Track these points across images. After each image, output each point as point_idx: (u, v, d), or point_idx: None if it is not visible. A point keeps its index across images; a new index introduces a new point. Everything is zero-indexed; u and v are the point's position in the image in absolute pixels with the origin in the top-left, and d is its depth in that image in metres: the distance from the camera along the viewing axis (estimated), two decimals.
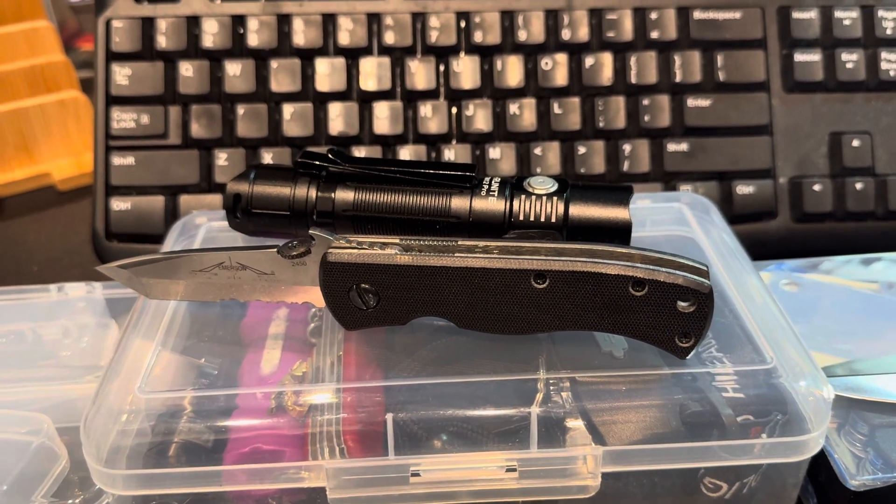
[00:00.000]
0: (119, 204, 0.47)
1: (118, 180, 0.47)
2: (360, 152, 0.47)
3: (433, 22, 0.48)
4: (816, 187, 0.48)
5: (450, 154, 0.47)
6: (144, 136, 0.47)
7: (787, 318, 0.34)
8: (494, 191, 0.35)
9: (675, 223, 0.41)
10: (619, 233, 0.35)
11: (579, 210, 0.35)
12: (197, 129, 0.47)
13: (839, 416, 0.34)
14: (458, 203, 0.35)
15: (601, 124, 0.48)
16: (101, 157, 0.47)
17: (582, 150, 0.48)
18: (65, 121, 0.60)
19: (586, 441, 0.31)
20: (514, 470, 0.30)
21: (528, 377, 0.32)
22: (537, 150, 0.47)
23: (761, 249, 0.48)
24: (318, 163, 0.36)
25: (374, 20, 0.48)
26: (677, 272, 0.29)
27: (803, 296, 0.40)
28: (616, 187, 0.36)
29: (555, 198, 0.35)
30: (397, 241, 0.31)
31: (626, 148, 0.48)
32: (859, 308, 0.40)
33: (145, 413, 0.32)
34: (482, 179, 0.36)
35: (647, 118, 0.48)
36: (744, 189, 0.48)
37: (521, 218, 0.35)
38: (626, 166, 0.48)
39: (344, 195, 0.36)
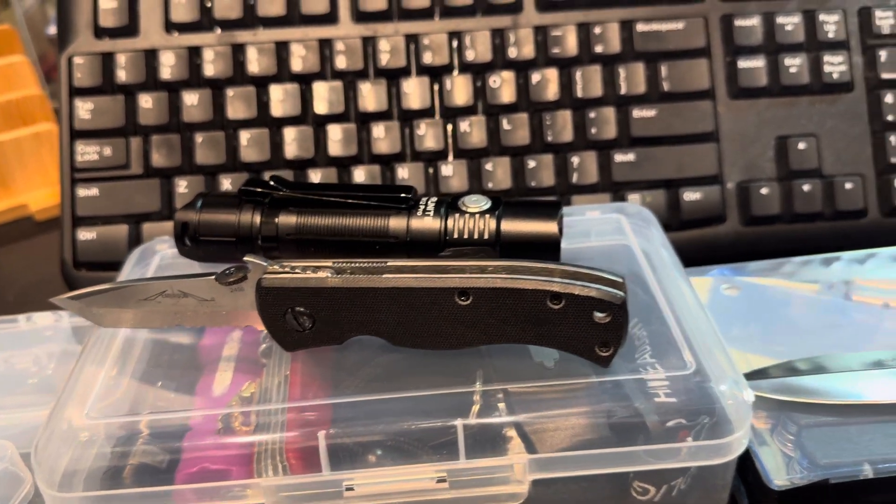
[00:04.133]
0: (85, 234, 0.48)
1: (84, 211, 0.48)
2: (315, 175, 0.49)
3: (383, 45, 0.49)
4: (764, 191, 0.49)
5: (403, 173, 0.49)
6: (107, 167, 0.49)
7: (713, 324, 0.35)
8: (430, 210, 0.37)
9: (616, 234, 0.42)
10: (549, 247, 0.36)
11: (510, 226, 0.36)
12: (157, 159, 0.49)
13: (772, 417, 0.36)
14: (396, 223, 0.37)
15: (549, 138, 0.49)
16: (67, 190, 0.49)
17: (532, 164, 0.49)
18: (40, 153, 0.62)
19: (517, 450, 0.32)
20: (445, 481, 0.31)
21: (464, 390, 0.33)
22: (488, 166, 0.49)
23: (712, 254, 0.49)
24: (260, 189, 0.38)
25: (325, 46, 0.49)
26: (592, 285, 0.31)
27: (743, 299, 0.42)
28: (546, 203, 0.37)
29: (487, 215, 0.36)
30: (330, 263, 0.33)
31: (575, 160, 0.49)
32: (797, 309, 0.41)
33: (99, 437, 0.33)
34: (419, 200, 0.37)
35: (594, 130, 0.49)
36: (691, 196, 0.49)
37: (456, 236, 0.36)
38: (575, 178, 0.49)
39: (287, 220, 0.37)
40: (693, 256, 0.49)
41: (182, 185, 0.49)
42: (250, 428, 0.35)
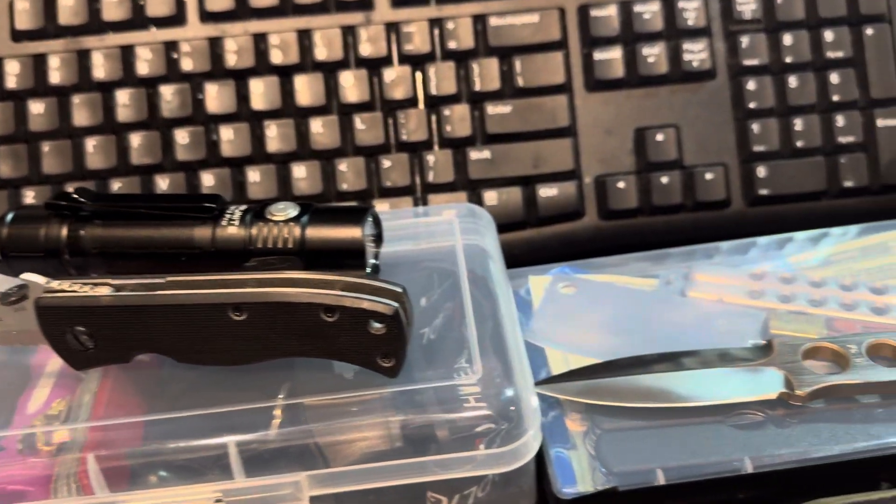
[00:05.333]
0: None
1: None
2: (164, 181, 0.48)
3: (230, 45, 0.48)
4: (621, 184, 0.48)
5: (253, 176, 0.48)
6: None
7: (513, 328, 0.34)
8: (235, 220, 0.36)
9: (447, 235, 0.41)
10: (354, 253, 0.35)
11: (315, 234, 0.35)
12: (4, 169, 0.48)
13: (587, 420, 0.35)
14: (201, 234, 0.36)
15: (404, 137, 0.48)
16: None
17: (386, 163, 0.48)
18: None
19: (305, 466, 0.31)
20: (221, 501, 0.30)
21: (261, 405, 0.32)
22: (342, 167, 0.48)
23: (570, 250, 0.48)
24: (65, 203, 0.37)
25: (171, 48, 0.48)
26: (366, 297, 0.30)
27: (578, 298, 0.41)
28: (354, 209, 0.36)
29: (292, 223, 0.35)
30: (112, 281, 0.32)
31: (430, 159, 0.48)
32: (631, 307, 0.40)
33: None
34: (226, 209, 0.36)
35: (448, 128, 0.48)
36: (548, 191, 0.48)
37: (261, 245, 0.35)
38: (430, 177, 0.48)
39: (92, 233, 0.36)
40: (551, 253, 0.49)
41: (30, 196, 0.48)
42: (52, 447, 0.34)
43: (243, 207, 0.37)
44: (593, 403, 0.34)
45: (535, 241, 0.49)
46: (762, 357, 0.34)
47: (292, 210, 0.36)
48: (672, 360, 0.35)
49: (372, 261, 0.37)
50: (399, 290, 0.31)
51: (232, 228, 0.36)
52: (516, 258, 0.47)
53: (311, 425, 0.31)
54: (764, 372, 0.33)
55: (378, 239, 0.37)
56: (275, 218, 0.36)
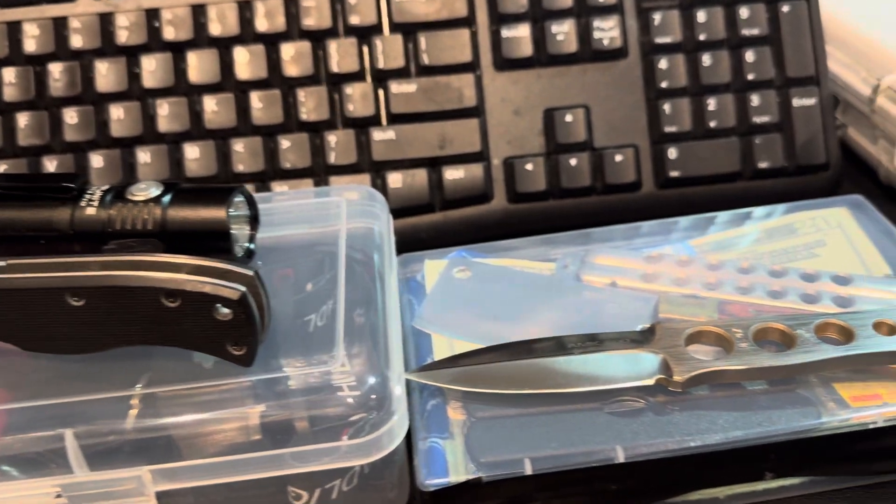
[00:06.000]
0: None
1: None
2: (51, 163, 0.45)
3: (121, 21, 0.46)
4: (529, 166, 0.47)
5: (144, 157, 0.46)
6: None
7: (395, 314, 0.33)
8: (95, 201, 0.34)
9: (333, 219, 0.39)
10: (217, 235, 0.33)
11: (176, 214, 0.33)
12: None
13: (465, 409, 0.34)
14: (59, 216, 0.34)
15: (304, 116, 0.46)
16: None
17: (286, 143, 0.46)
18: None
19: (157, 460, 0.30)
20: (61, 496, 0.29)
21: (109, 395, 0.30)
22: (237, 147, 0.46)
23: (478, 233, 0.47)
24: None
25: (60, 24, 0.46)
26: (209, 280, 0.28)
27: (472, 282, 0.39)
28: (221, 188, 0.34)
29: (152, 204, 0.34)
30: None
31: (332, 139, 0.46)
32: (524, 291, 0.38)
33: None
34: (86, 189, 0.35)
35: (350, 107, 0.46)
36: (454, 174, 0.47)
37: (119, 227, 0.33)
38: (332, 158, 0.46)
39: None
40: (459, 237, 0.47)
41: None
42: None
43: (105, 187, 0.35)
44: (467, 391, 0.32)
45: (443, 224, 0.47)
46: (645, 342, 0.33)
47: (154, 189, 0.34)
48: (552, 346, 0.33)
49: (245, 244, 0.36)
50: (250, 273, 0.29)
51: (91, 210, 0.34)
52: (423, 242, 0.46)
53: (163, 418, 0.30)
54: (644, 357, 0.32)
55: (254, 221, 0.36)
56: (135, 198, 0.34)
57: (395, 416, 0.29)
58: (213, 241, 0.33)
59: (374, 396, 0.30)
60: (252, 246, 0.35)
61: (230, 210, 0.33)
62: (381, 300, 0.34)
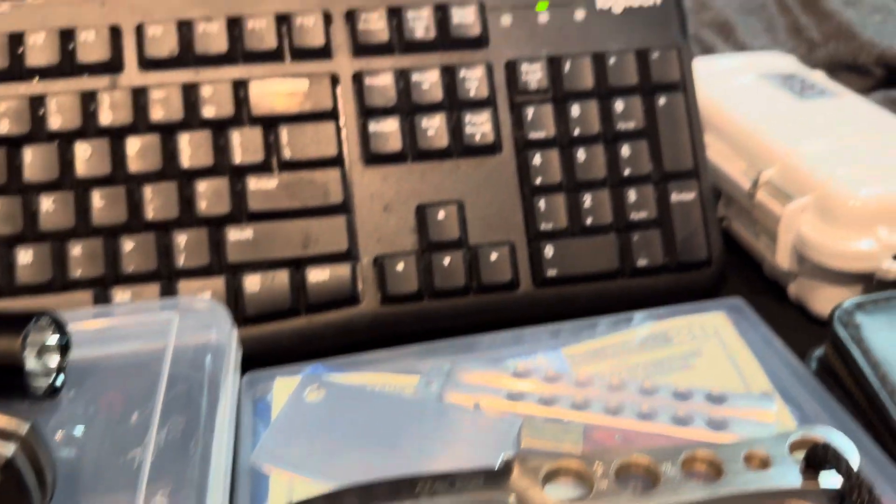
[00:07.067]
0: None
1: None
2: None
3: None
4: (400, 266, 0.44)
5: None
6: None
7: (221, 450, 0.29)
8: None
9: (163, 336, 0.35)
10: (8, 372, 0.29)
11: None
12: None
13: None
14: None
15: (150, 215, 0.43)
16: None
17: (129, 245, 0.42)
18: None
19: None
20: None
21: None
22: (74, 251, 0.42)
23: (346, 339, 0.44)
24: None
25: None
26: None
27: (325, 405, 0.36)
28: (16, 315, 0.30)
29: None
30: None
31: (181, 239, 0.43)
32: (380, 416, 0.35)
33: None
34: None
35: (203, 205, 0.43)
36: (319, 275, 0.43)
37: None
38: (181, 261, 0.43)
39: None
40: (326, 343, 0.43)
41: None
42: None
43: None
44: None
45: (307, 330, 0.44)
46: (499, 482, 0.30)
47: None
48: (399, 487, 0.30)
49: (49, 380, 0.31)
50: (24, 427, 0.25)
51: None
52: (286, 352, 0.42)
53: None
54: (496, 502, 0.29)
55: (64, 350, 0.32)
56: None
57: None
58: (6, 377, 0.29)
59: None
60: (59, 380, 0.31)
61: (27, 340, 0.29)
62: (206, 432, 0.30)
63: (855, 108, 0.50)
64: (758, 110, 0.51)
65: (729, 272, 0.48)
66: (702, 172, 0.47)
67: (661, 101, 0.47)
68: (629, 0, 0.48)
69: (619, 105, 0.47)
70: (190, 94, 0.44)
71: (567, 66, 0.47)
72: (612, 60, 0.47)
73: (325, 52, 0.46)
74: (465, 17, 0.47)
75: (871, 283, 0.43)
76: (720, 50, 0.70)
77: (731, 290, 0.48)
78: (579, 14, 0.48)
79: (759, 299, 0.46)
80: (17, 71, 0.43)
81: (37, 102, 0.43)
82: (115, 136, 0.43)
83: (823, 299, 0.43)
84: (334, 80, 0.45)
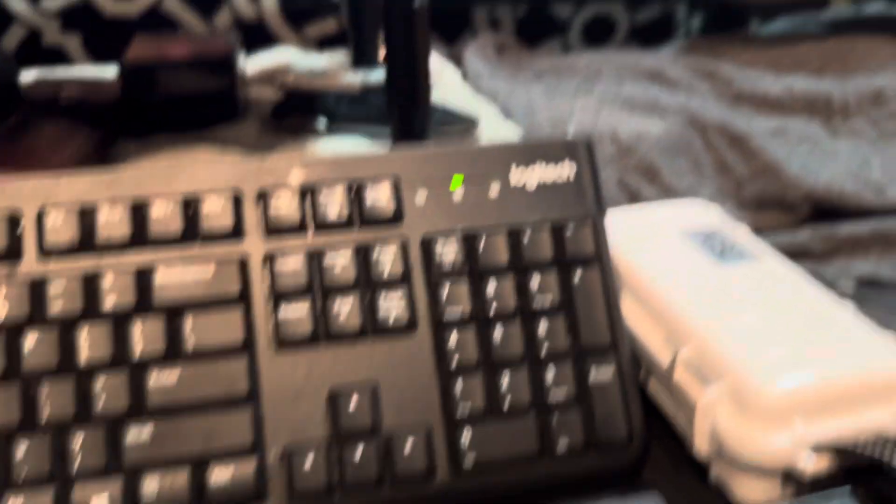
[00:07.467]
0: None
1: None
2: None
3: None
4: (309, 459, 0.42)
5: None
6: None
7: None
8: None
9: None
10: None
11: None
12: None
13: None
14: None
15: (43, 415, 0.40)
16: None
17: (21, 447, 0.40)
18: None
19: None
20: None
21: None
22: None
23: None
24: None
25: None
26: None
27: None
28: None
29: None
30: None
31: (76, 441, 0.40)
32: None
33: None
34: None
35: (99, 403, 0.41)
36: (222, 473, 0.41)
37: None
38: (76, 463, 0.40)
39: None
40: None
41: None
42: None
43: None
44: None
45: None
46: None
47: None
48: None
49: None
50: None
51: None
52: None
53: None
54: None
55: None
56: None
57: None
58: None
59: None
60: None
61: None
62: None
63: (774, 277, 0.50)
64: (675, 277, 0.51)
65: (653, 443, 0.47)
66: (620, 346, 0.47)
67: (577, 274, 0.47)
68: (543, 176, 0.48)
69: (535, 280, 0.47)
70: (87, 283, 0.42)
71: (482, 242, 0.47)
72: (527, 235, 0.47)
73: (235, 234, 0.45)
74: (379, 194, 0.47)
75: (790, 475, 0.42)
76: (645, 194, 0.71)
77: (655, 467, 0.47)
78: (494, 190, 0.48)
79: (682, 479, 0.45)
80: None
81: None
82: (9, 333, 0.41)
83: (745, 487, 0.42)
84: (243, 264, 0.44)
